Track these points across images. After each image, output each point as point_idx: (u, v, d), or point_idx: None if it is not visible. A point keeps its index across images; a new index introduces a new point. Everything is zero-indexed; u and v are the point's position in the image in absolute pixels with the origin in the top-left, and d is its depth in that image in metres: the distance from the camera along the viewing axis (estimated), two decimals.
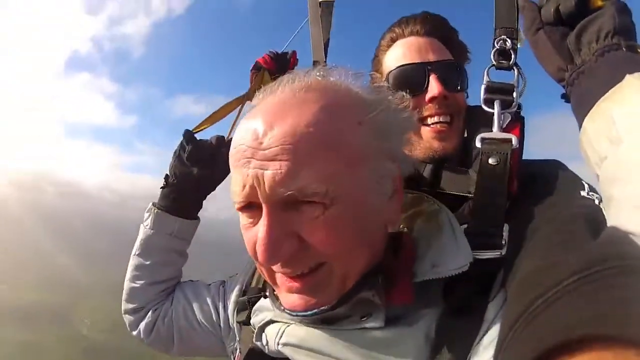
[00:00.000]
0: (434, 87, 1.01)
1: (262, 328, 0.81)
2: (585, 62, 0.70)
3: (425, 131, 1.01)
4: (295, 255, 0.64)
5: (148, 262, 1.22)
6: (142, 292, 1.23)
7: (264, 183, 0.61)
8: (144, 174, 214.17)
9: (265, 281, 0.97)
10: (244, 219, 0.69)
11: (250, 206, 0.66)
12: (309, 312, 0.67)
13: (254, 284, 1.04)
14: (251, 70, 1.37)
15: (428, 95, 1.01)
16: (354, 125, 0.67)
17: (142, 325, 1.24)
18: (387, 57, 1.12)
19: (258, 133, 0.63)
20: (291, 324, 0.75)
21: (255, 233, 0.65)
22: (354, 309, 0.68)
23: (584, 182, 0.77)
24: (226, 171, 1.28)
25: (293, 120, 0.62)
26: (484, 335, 0.63)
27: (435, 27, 1.09)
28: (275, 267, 0.67)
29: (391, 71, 1.07)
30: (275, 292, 0.75)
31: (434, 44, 1.07)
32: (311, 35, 1.34)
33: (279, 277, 0.69)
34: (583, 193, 0.73)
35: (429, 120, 1.02)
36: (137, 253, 1.23)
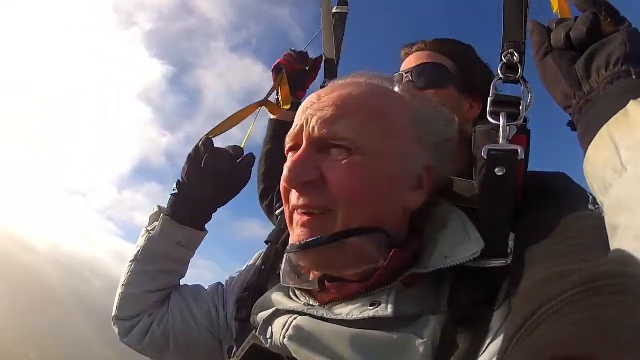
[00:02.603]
0: None
1: (269, 321, 0.80)
2: (593, 89, 0.68)
3: None
4: (312, 186, 0.76)
5: (150, 269, 1.17)
6: (140, 300, 1.18)
7: (310, 124, 0.79)
8: None
9: (269, 271, 1.01)
10: (288, 160, 0.83)
11: (296, 148, 0.82)
12: (309, 240, 0.76)
13: (255, 281, 1.02)
14: (272, 72, 1.39)
15: None
16: (395, 108, 0.83)
17: (134, 331, 1.17)
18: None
19: (321, 94, 0.84)
20: (299, 315, 0.74)
21: None
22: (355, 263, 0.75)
23: (589, 195, 0.76)
24: (242, 185, 1.27)
25: (348, 90, 0.82)
26: (489, 344, 0.62)
27: (435, 43, 1.22)
28: (294, 200, 0.79)
29: None
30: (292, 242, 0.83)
31: (425, 55, 1.21)
32: (322, 34, 1.37)
33: (295, 215, 0.80)
34: (590, 207, 0.72)
35: None
36: (137, 259, 1.17)
